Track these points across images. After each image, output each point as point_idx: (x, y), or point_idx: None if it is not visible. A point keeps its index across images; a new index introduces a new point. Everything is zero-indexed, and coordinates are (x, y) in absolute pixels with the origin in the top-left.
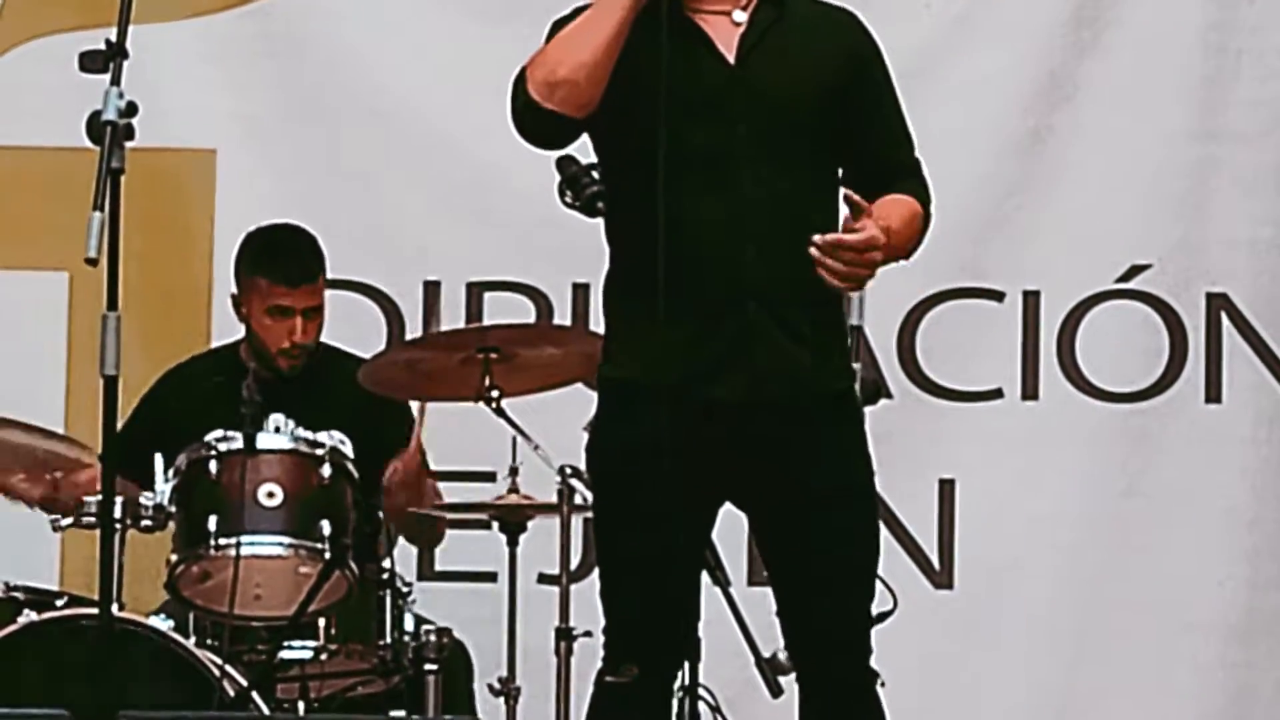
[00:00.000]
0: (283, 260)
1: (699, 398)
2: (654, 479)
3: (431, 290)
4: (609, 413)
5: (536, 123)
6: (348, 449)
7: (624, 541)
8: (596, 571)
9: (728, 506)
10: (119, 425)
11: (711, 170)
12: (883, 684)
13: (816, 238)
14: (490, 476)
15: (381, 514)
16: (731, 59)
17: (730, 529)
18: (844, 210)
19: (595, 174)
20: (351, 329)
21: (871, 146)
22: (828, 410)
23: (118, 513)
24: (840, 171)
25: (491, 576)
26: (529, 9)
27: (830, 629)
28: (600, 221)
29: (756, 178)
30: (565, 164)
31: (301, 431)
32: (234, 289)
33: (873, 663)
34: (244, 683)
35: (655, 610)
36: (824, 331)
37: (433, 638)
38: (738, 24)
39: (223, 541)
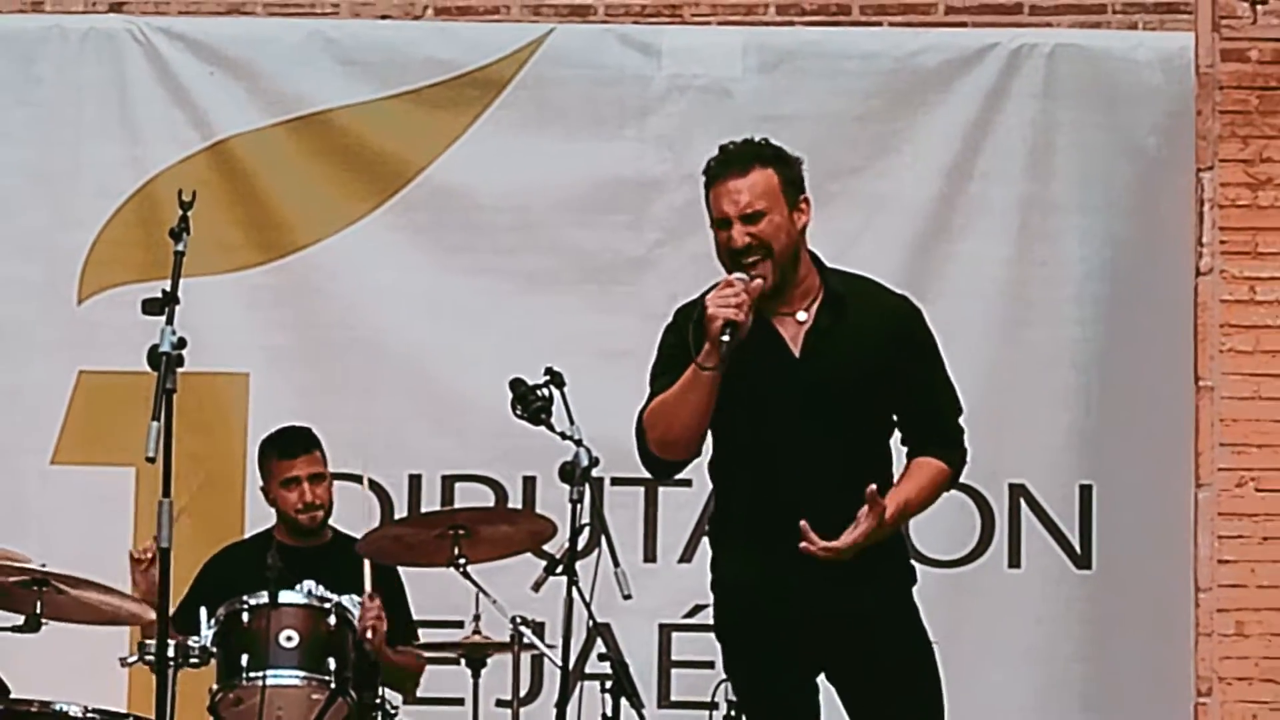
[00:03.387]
0: (285, 443)
1: None
2: None
3: (414, 482)
4: None
5: (657, 467)
6: (354, 607)
7: None
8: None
9: None
10: (182, 595)
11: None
12: None
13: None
14: (459, 624)
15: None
16: (797, 353)
17: (644, 657)
18: (885, 446)
19: (540, 392)
20: (352, 510)
21: (914, 416)
22: None
23: (171, 653)
24: (887, 423)
25: (460, 701)
26: (493, 267)
27: None
28: (542, 428)
29: (807, 444)
30: (517, 385)
31: (316, 591)
32: (260, 482)
33: None
34: None
35: None
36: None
37: None
38: (800, 322)
39: (252, 674)
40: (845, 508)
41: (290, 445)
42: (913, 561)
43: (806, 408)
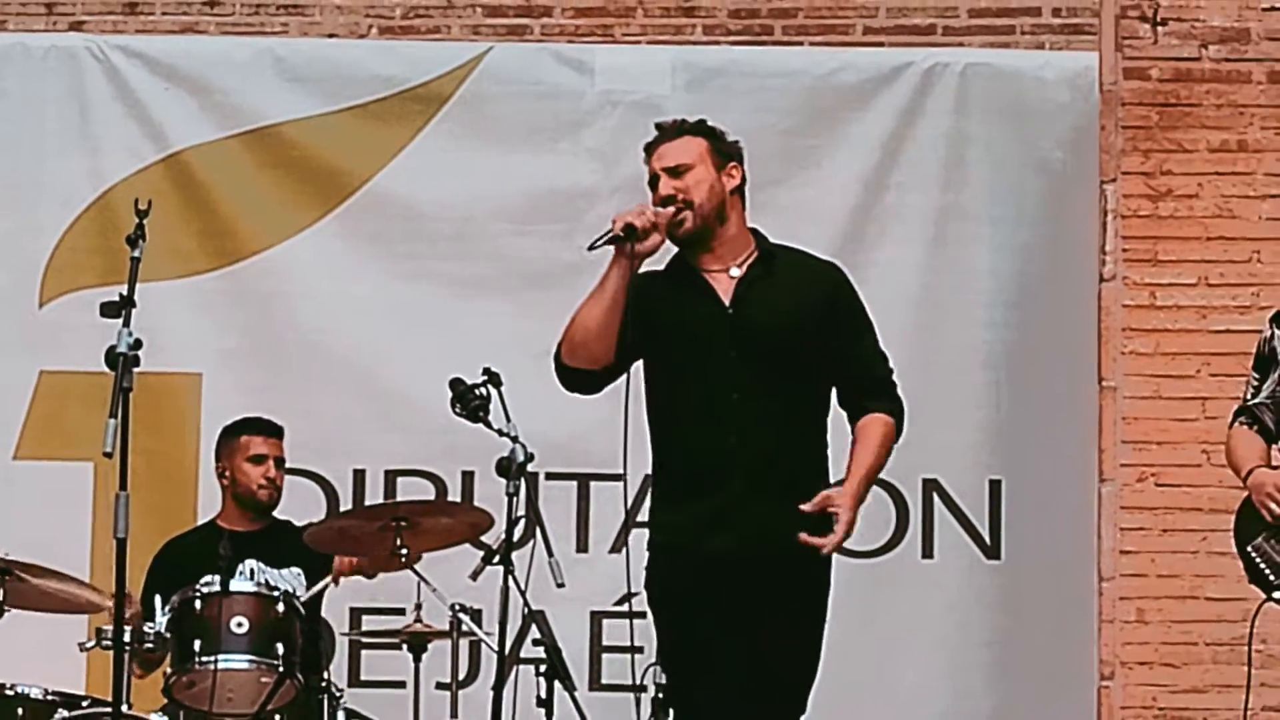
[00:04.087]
0: (259, 423)
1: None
2: None
3: (358, 476)
4: None
5: (566, 378)
6: (301, 585)
7: None
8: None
9: None
10: (141, 587)
11: (715, 386)
12: None
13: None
14: (401, 611)
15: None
16: (727, 303)
17: (576, 642)
18: (820, 415)
19: (478, 391)
20: (299, 503)
21: (847, 369)
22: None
23: (127, 638)
24: (821, 388)
25: (401, 684)
26: (434, 273)
27: None
28: (480, 425)
29: (744, 394)
30: (456, 384)
31: (264, 577)
32: (217, 464)
33: None
34: None
35: None
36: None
37: None
38: (733, 277)
39: (204, 658)
40: (781, 459)
41: (264, 425)
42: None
43: (739, 356)
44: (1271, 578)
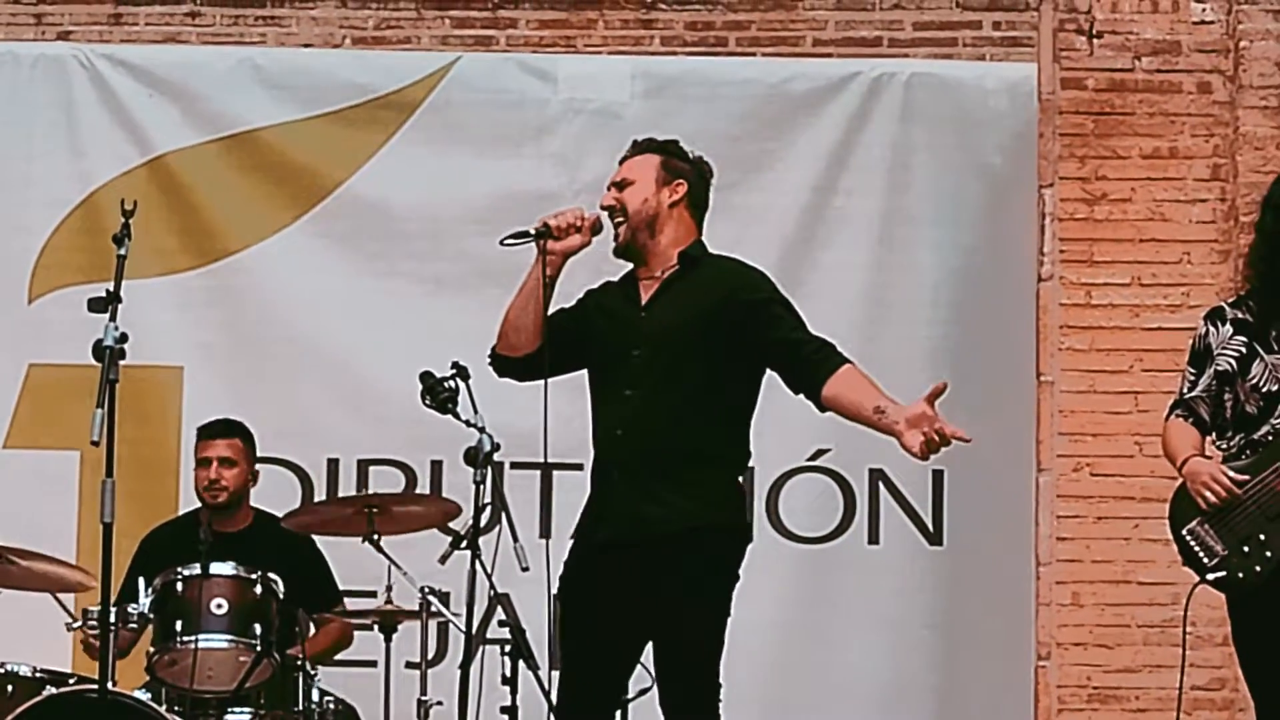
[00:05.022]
0: (208, 427)
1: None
2: None
3: (332, 465)
4: None
5: (495, 363)
6: (278, 582)
7: None
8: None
9: None
10: (125, 572)
11: (618, 384)
12: None
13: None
14: (372, 594)
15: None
16: (642, 306)
17: (540, 624)
18: (731, 409)
19: (447, 384)
20: (276, 490)
21: (781, 349)
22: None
23: (112, 619)
24: (737, 384)
25: (373, 663)
26: (404, 271)
27: None
28: (448, 416)
29: (652, 376)
30: (426, 377)
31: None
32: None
33: None
34: None
35: None
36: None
37: (332, 705)
38: (656, 279)
39: (185, 638)
40: (667, 452)
41: (209, 428)
42: (776, 534)
43: (643, 356)
44: (1205, 560)
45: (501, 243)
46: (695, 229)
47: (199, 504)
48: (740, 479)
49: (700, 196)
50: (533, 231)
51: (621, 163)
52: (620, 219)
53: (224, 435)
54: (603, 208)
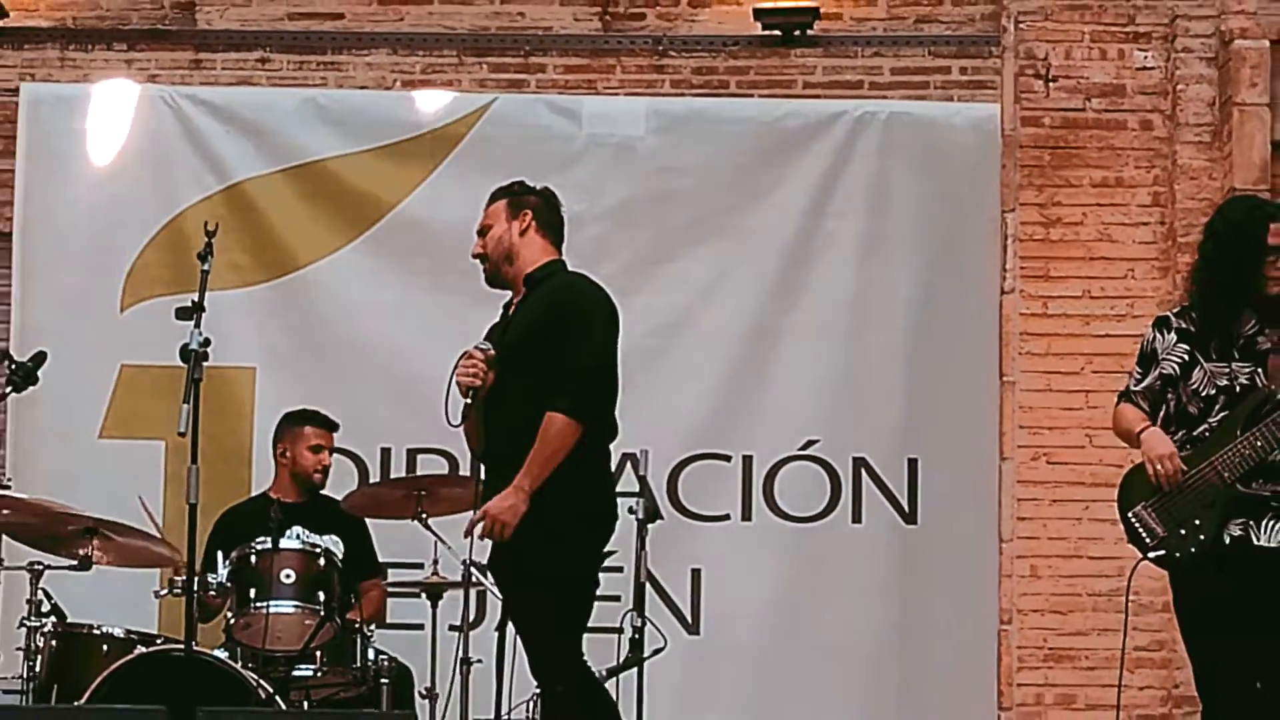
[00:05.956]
0: (323, 419)
1: None
2: None
3: (385, 453)
4: None
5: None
6: (339, 549)
7: None
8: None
9: None
10: (204, 544)
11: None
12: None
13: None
14: (420, 565)
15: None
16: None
17: None
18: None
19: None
20: (336, 476)
21: (557, 365)
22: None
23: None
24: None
25: (421, 626)
26: (447, 285)
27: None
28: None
29: (498, 393)
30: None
31: (308, 537)
32: (276, 444)
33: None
34: (270, 690)
35: None
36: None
37: (386, 663)
38: (515, 304)
39: (258, 604)
40: (509, 460)
41: (327, 422)
42: (771, 515)
43: (501, 371)
44: (1147, 540)
45: (455, 426)
46: (552, 249)
47: (270, 486)
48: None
49: (549, 218)
50: (468, 401)
51: (484, 211)
52: (484, 261)
53: (333, 428)
54: (474, 256)
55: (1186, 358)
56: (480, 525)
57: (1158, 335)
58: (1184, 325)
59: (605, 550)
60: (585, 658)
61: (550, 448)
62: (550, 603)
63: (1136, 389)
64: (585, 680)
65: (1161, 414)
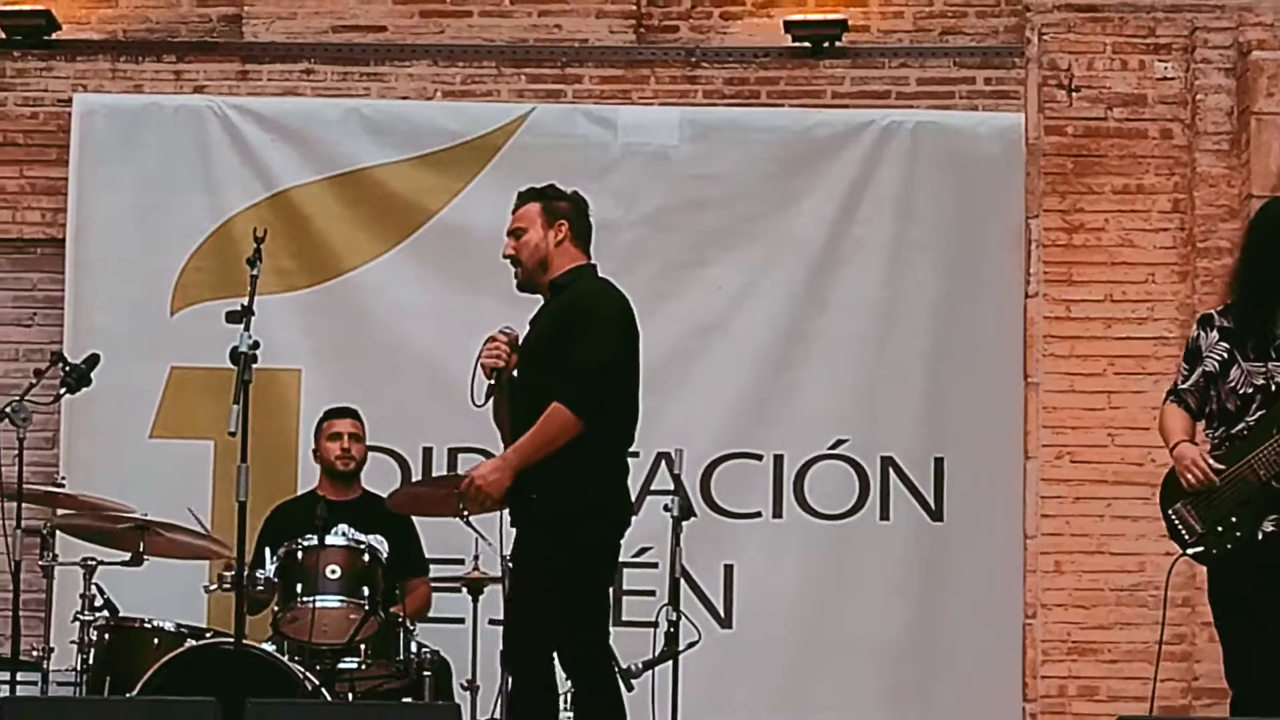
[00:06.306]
0: (336, 410)
1: None
2: None
3: (426, 452)
4: None
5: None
6: (383, 547)
7: None
8: None
9: None
10: (254, 540)
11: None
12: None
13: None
14: (461, 561)
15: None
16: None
17: None
18: None
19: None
20: (380, 474)
21: (565, 365)
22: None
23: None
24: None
25: (462, 620)
26: (486, 289)
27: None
28: None
29: (520, 393)
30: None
31: (353, 534)
32: (313, 448)
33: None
34: (316, 682)
35: None
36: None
37: (428, 655)
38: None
39: (304, 598)
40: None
41: (338, 410)
42: (801, 512)
43: (523, 369)
44: (1186, 537)
45: (479, 406)
46: (581, 255)
47: (316, 484)
48: None
49: (581, 227)
50: (491, 382)
51: (513, 212)
52: (517, 265)
53: (350, 416)
54: (505, 257)
55: (1226, 355)
56: (464, 483)
57: (1202, 332)
58: (1225, 323)
59: (613, 545)
60: (612, 657)
61: (546, 434)
62: (546, 592)
63: (1184, 386)
64: (600, 678)
65: (1208, 409)
